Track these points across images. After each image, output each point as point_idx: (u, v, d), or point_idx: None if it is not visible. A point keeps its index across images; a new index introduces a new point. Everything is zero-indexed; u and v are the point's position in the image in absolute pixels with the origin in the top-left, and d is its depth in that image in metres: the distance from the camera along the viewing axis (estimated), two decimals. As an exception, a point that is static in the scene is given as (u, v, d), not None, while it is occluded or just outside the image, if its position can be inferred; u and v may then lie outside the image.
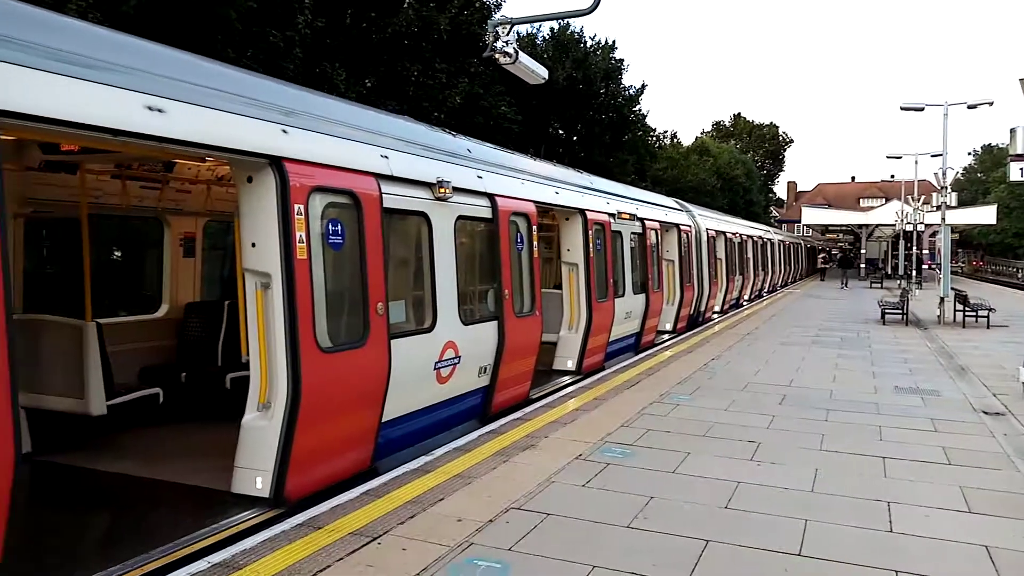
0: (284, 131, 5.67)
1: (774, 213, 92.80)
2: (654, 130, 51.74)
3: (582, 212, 11.51)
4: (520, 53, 8.23)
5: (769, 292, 34.47)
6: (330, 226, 6.01)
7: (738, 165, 69.29)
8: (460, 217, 7.97)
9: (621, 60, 41.06)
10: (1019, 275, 64.40)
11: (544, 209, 11.02)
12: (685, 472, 6.40)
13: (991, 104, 25.15)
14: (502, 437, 7.35)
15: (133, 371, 8.01)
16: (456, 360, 7.72)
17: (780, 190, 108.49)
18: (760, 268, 31.84)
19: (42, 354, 6.67)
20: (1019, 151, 9.99)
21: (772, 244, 36.60)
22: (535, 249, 9.67)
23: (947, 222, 23.36)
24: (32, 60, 4.01)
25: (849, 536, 5.01)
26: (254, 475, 5.51)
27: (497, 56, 8.11)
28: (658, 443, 7.29)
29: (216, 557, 4.46)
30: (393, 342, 6.56)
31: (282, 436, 5.45)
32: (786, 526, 5.18)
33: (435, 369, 7.42)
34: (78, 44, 4.49)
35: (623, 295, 13.36)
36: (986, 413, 8.85)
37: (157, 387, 7.45)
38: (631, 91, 42.21)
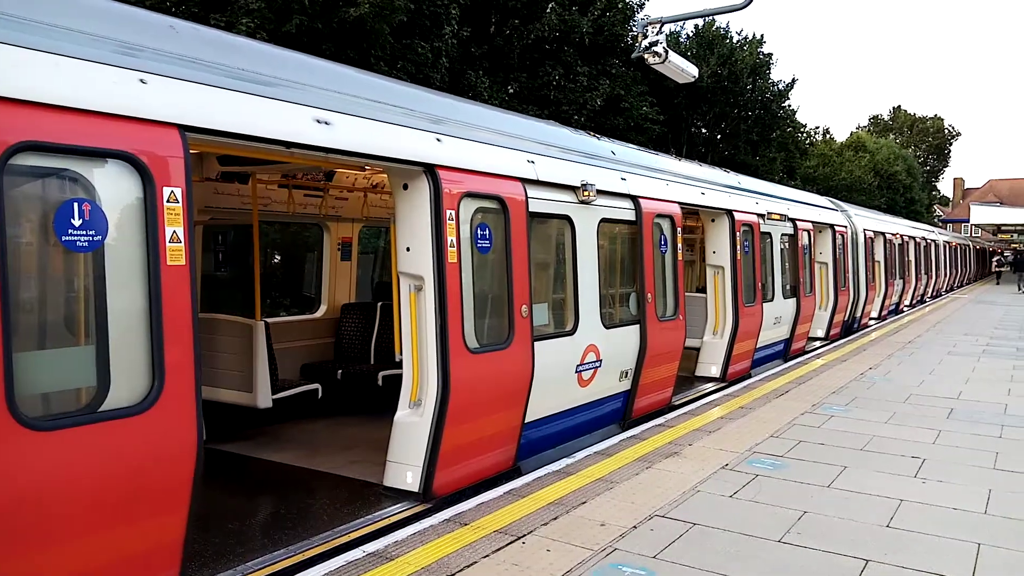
0: (438, 139, 5.89)
1: (938, 212, 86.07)
2: (804, 126, 49.33)
3: (729, 213, 11.17)
4: (670, 52, 8.07)
5: (933, 297, 31.99)
6: (479, 230, 6.18)
7: (897, 161, 64.69)
8: (603, 220, 7.96)
9: (769, 54, 39.42)
10: None
11: (689, 210, 10.80)
12: (841, 487, 6.06)
13: None
14: (644, 443, 7.26)
15: (295, 367, 8.57)
16: (597, 363, 7.72)
17: (945, 187, 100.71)
18: (923, 271, 29.61)
19: (216, 350, 7.27)
20: None
21: (936, 245, 33.93)
22: (679, 252, 9.49)
23: None
24: (218, 80, 4.40)
25: (1031, 566, 4.58)
26: (405, 470, 5.75)
27: (646, 56, 8.00)
28: (811, 456, 6.96)
29: (371, 547, 4.69)
30: (536, 344, 6.65)
31: (432, 433, 5.66)
32: (956, 549, 4.80)
33: (576, 372, 7.44)
34: (254, 63, 4.87)
35: (772, 299, 12.84)
36: None
37: (316, 383, 7.93)
38: (780, 86, 40.50)
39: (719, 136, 40.54)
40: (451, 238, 5.74)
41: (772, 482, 6.16)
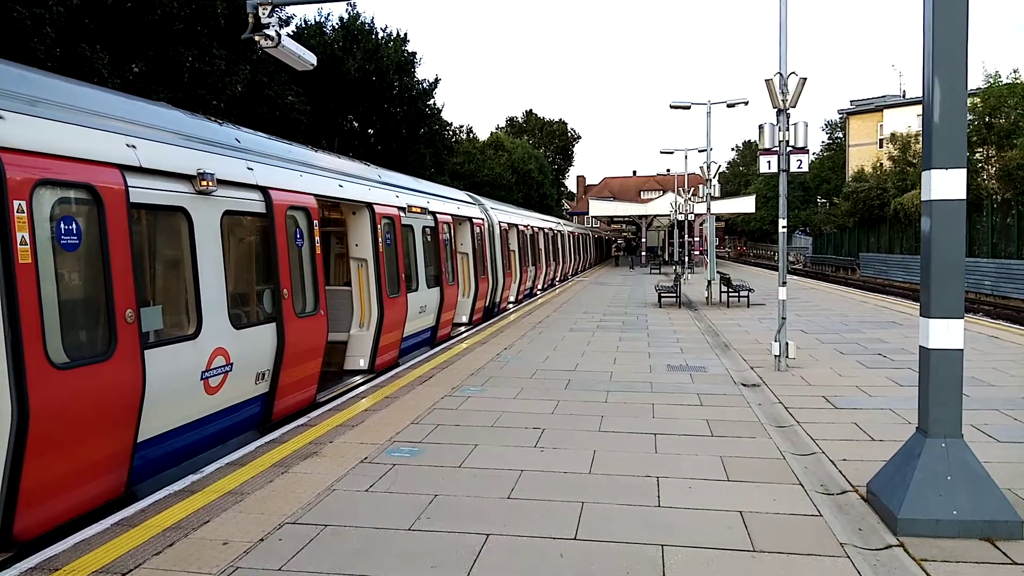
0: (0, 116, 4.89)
1: (566, 206, 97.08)
2: (450, 124, 51.89)
3: (369, 206, 11.21)
4: (284, 37, 7.72)
5: (561, 281, 35.98)
6: (62, 225, 5.28)
7: (531, 160, 71.59)
8: (228, 212, 7.39)
9: (414, 53, 40.85)
10: (775, 258, 72.59)
11: (330, 203, 10.59)
12: (471, 465, 6.36)
13: (747, 103, 27.77)
14: (283, 446, 6.92)
15: None
16: (227, 368, 7.16)
17: (571, 184, 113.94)
18: (552, 258, 33.12)
19: None
20: (766, 146, 10.98)
21: (563, 235, 38.20)
22: (317, 245, 9.24)
23: (713, 211, 25.59)
24: None
25: (621, 515, 5.19)
26: (-28, 518, 4.72)
27: (258, 39, 7.55)
28: (447, 438, 7.21)
29: (-88, 623, 3.75)
30: (147, 352, 5.92)
31: (7, 469, 4.71)
32: (564, 511, 5.28)
33: (202, 379, 6.82)
34: None
35: (416, 289, 13.22)
36: (744, 385, 9.69)
37: None
38: (425, 84, 42.15)
39: (371, 131, 40.99)
40: (23, 234, 4.81)
41: (408, 469, 6.24)
